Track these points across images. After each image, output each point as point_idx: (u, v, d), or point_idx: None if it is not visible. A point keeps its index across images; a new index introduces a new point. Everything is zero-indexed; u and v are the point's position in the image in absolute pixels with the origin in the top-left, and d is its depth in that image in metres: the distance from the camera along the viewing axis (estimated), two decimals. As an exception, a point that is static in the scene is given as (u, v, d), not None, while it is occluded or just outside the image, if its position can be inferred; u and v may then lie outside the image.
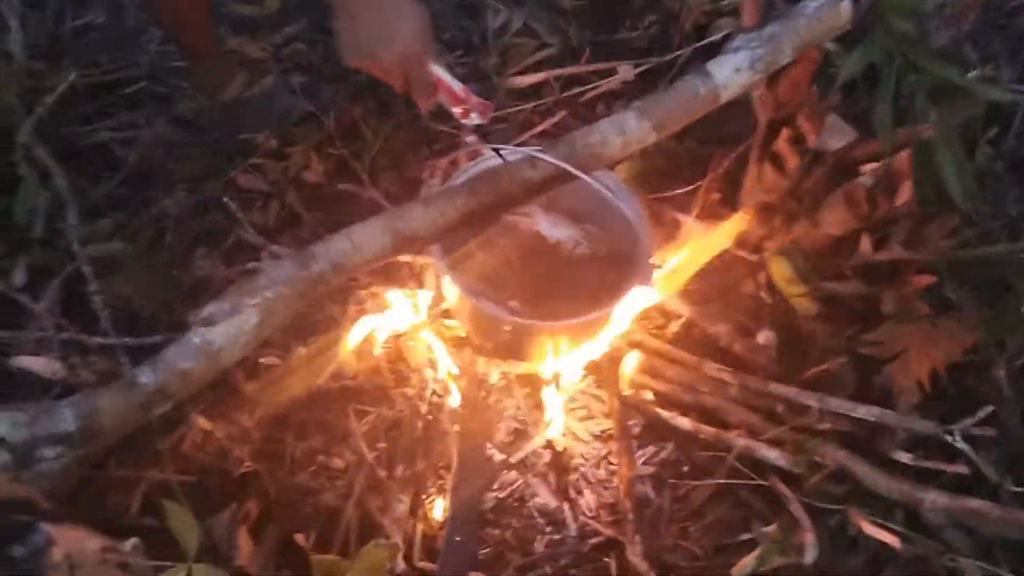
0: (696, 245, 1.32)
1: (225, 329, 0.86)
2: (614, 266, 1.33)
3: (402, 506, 1.24)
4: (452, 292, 1.31)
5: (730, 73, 1.04)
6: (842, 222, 1.19)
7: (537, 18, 1.87)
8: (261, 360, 1.35)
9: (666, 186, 1.56)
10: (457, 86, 1.10)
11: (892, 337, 1.24)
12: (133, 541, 0.84)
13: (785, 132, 1.20)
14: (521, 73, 1.82)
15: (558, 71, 1.79)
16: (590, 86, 1.77)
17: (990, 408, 1.13)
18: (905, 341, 1.23)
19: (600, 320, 1.26)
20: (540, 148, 1.03)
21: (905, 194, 1.10)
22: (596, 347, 1.30)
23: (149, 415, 0.86)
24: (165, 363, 0.85)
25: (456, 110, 1.12)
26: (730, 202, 1.45)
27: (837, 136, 1.18)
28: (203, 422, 1.10)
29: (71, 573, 0.77)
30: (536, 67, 1.82)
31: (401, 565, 1.18)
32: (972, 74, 1.19)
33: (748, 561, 1.17)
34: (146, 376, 0.85)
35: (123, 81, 1.80)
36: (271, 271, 0.88)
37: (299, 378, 1.28)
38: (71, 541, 0.81)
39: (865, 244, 1.17)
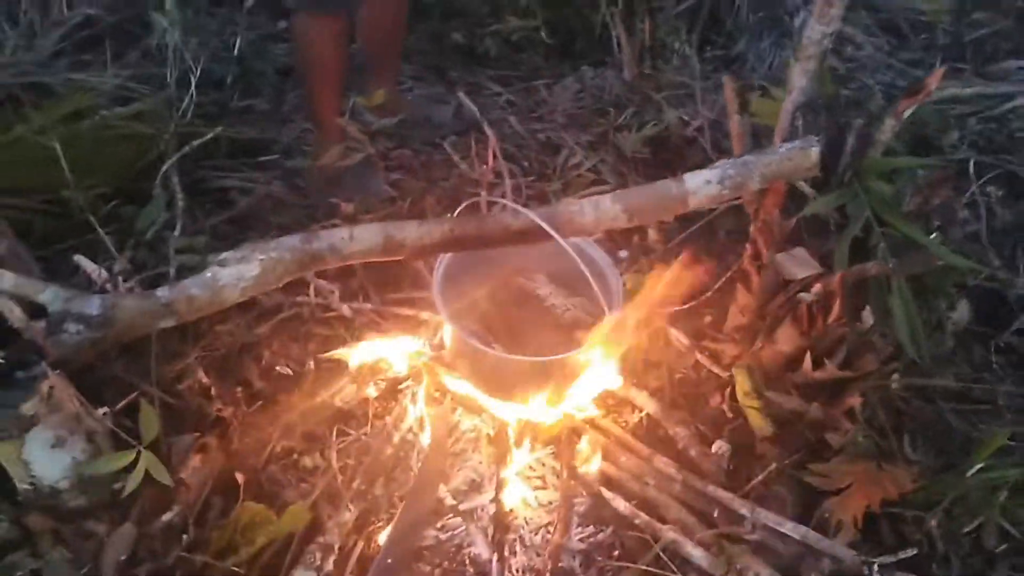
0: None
1: (232, 271, 1.08)
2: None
3: (348, 515, 1.36)
4: (449, 334, 1.49)
5: (700, 183, 1.22)
6: (792, 339, 1.28)
7: (604, 160, 2.15)
8: (277, 368, 1.57)
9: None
10: None
11: (840, 472, 1.28)
12: (104, 409, 1.02)
13: (748, 249, 1.33)
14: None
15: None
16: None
17: (912, 551, 1.13)
18: (851, 477, 1.26)
19: (569, 365, 1.37)
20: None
21: (836, 311, 1.19)
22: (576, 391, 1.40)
23: (155, 325, 1.08)
24: (179, 287, 1.08)
25: None
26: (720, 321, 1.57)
27: (803, 268, 1.30)
28: (203, 375, 1.30)
29: (48, 403, 0.96)
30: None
31: (330, 567, 1.28)
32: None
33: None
34: (162, 292, 1.07)
35: (261, 149, 2.21)
36: (282, 239, 1.11)
37: (302, 391, 1.47)
38: (60, 387, 1.00)
39: (807, 362, 1.25)
